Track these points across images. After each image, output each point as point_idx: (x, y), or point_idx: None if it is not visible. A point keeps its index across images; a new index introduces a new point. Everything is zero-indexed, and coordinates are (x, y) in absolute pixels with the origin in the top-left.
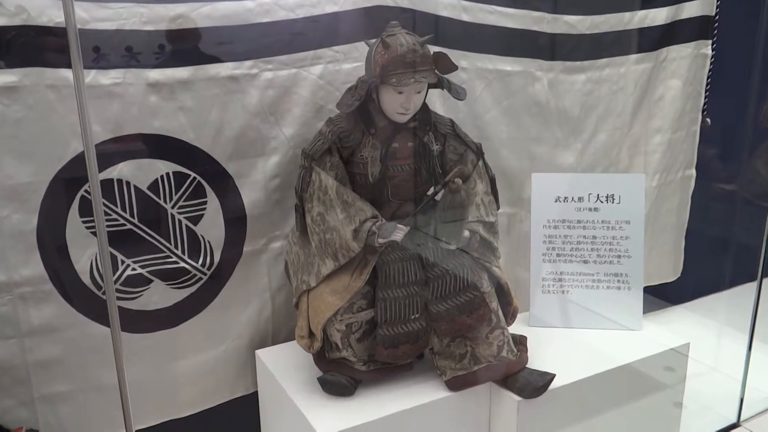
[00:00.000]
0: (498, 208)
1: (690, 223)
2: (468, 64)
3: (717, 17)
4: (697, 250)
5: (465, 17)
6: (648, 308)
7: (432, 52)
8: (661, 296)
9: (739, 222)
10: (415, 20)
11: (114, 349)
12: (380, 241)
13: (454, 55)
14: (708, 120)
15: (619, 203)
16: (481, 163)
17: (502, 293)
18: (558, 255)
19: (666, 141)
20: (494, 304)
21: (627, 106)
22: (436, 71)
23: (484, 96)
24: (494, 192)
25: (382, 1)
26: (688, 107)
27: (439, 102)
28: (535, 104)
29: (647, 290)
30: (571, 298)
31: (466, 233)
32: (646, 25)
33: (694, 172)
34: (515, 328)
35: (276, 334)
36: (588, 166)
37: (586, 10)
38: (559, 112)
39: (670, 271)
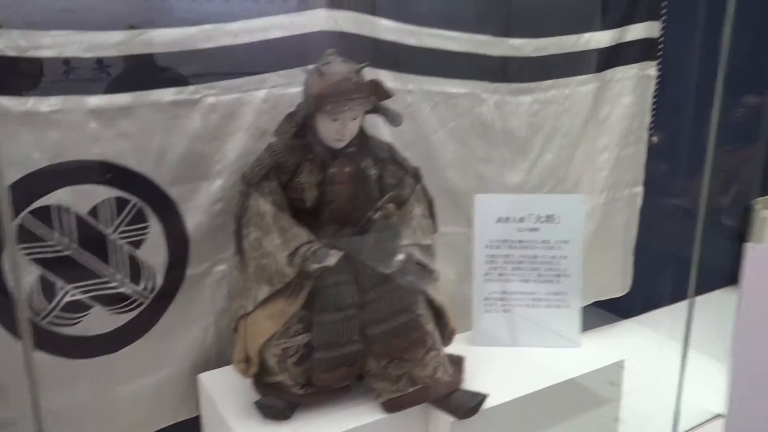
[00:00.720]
0: (435, 230)
1: (639, 238)
2: (414, 86)
3: (662, 39)
4: (646, 264)
5: (411, 41)
6: (596, 323)
7: (368, 80)
8: (612, 310)
9: (686, 237)
10: (360, 45)
11: (27, 373)
12: (314, 266)
13: (401, 79)
14: (654, 138)
15: (558, 223)
16: (419, 186)
17: (439, 315)
18: (500, 274)
19: (613, 159)
20: (429, 326)
21: (573, 126)
22: (372, 98)
23: (431, 117)
24: (432, 215)
25: (328, 26)
26: (635, 126)
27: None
28: (482, 125)
29: (597, 305)
30: (513, 316)
31: (401, 256)
32: (591, 48)
33: (641, 189)
34: (458, 348)
35: (220, 357)
36: (536, 184)
37: (531, 33)
38: (505, 132)
39: (619, 286)
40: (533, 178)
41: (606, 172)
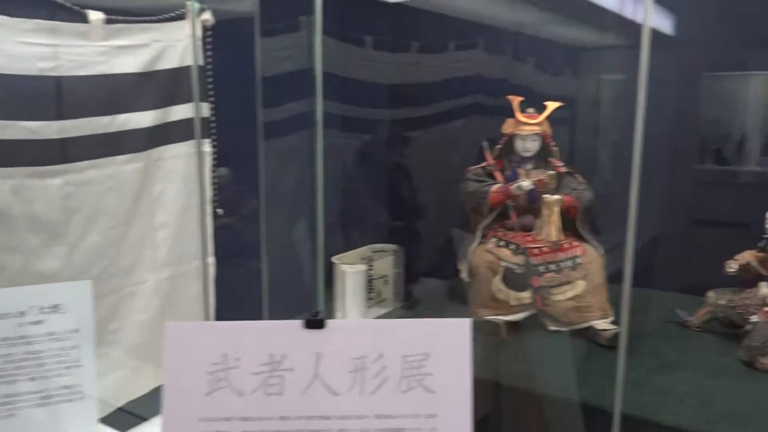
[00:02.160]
0: None
1: (226, 305)
2: None
3: (214, 118)
4: None
5: None
6: None
7: None
8: None
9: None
10: None
11: None
12: None
13: None
14: (219, 211)
15: (66, 313)
16: None
17: None
18: (1, 377)
19: (172, 235)
20: None
21: (122, 206)
22: None
23: None
24: None
25: None
26: (194, 201)
27: None
28: None
29: None
30: (21, 420)
31: None
32: (130, 128)
33: (212, 259)
34: None
35: None
36: (81, 268)
37: (49, 115)
38: (29, 218)
39: None
40: (76, 263)
41: (167, 248)
